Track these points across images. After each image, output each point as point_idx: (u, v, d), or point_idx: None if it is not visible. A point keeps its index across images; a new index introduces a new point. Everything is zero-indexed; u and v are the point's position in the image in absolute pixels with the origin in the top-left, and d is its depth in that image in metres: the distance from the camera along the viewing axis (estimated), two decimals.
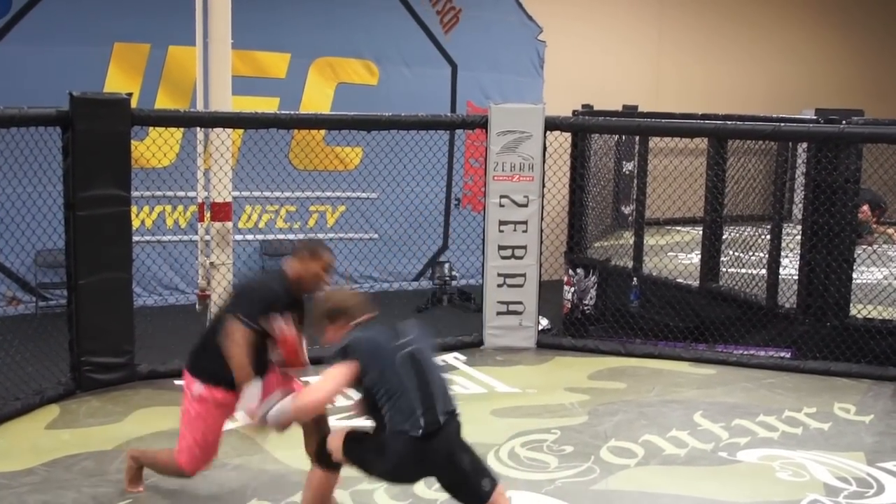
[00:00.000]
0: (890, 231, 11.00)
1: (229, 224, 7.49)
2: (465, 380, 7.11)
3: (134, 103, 6.91)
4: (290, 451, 5.46)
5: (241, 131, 9.20)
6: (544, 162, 7.97)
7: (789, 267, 8.09)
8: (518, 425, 6.06)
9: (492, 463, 5.38)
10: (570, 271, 9.25)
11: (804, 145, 8.38)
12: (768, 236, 8.12)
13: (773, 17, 14.63)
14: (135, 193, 7.12)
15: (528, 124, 7.79)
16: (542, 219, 8.00)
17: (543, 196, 8.01)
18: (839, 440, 5.89)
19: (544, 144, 7.93)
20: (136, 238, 7.34)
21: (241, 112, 7.74)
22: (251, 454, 5.47)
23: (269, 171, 9.27)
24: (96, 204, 6.56)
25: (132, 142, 6.86)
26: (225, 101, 7.37)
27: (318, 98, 10.55)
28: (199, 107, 7.67)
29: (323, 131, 9.87)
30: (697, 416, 6.31)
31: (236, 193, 8.51)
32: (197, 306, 7.69)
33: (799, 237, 7.95)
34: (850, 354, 7.43)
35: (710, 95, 13.31)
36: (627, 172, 11.26)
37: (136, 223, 8.31)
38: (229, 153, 7.53)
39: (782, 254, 8.01)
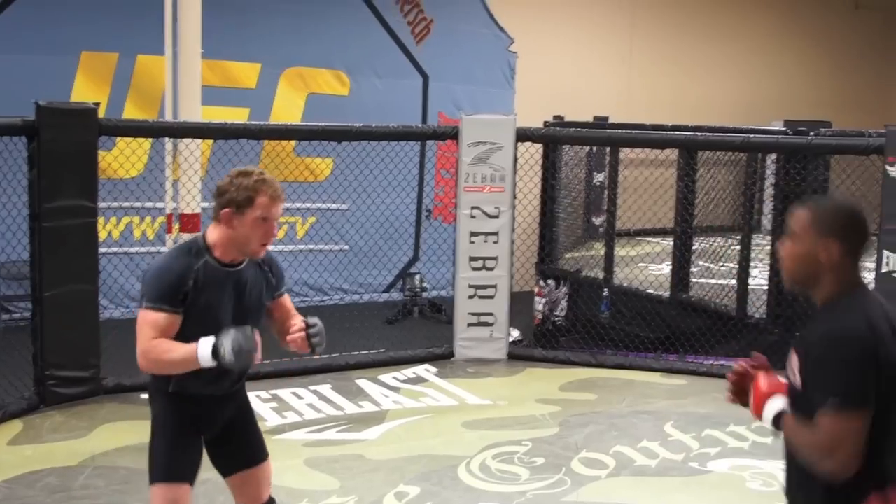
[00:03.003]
0: None
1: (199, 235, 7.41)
2: (435, 392, 7.08)
3: (101, 113, 6.84)
4: None
5: (210, 141, 9.13)
6: (515, 173, 7.97)
7: (759, 277, 8.13)
8: (489, 437, 6.04)
9: (463, 475, 5.36)
10: (541, 282, 9.24)
11: (773, 156, 8.43)
12: (738, 247, 8.15)
13: (743, 29, 14.75)
14: (102, 204, 7.04)
15: (500, 135, 7.79)
16: (513, 230, 7.99)
17: (514, 207, 8.01)
18: None
19: (515, 155, 7.93)
20: (102, 249, 7.26)
21: (211, 122, 7.68)
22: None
23: None
24: (62, 215, 6.48)
25: (99, 152, 6.79)
26: (194, 111, 7.32)
27: (288, 108, 10.50)
28: (168, 117, 7.60)
29: (293, 142, 9.82)
30: (668, 426, 6.31)
31: (205, 204, 8.42)
32: None
33: (768, 248, 7.99)
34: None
35: (680, 106, 13.38)
36: (598, 183, 11.28)
37: (102, 234, 8.20)
38: (198, 164, 7.47)
39: (752, 264, 8.04)
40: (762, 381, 2.71)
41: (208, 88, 8.08)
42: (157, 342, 3.27)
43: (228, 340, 3.20)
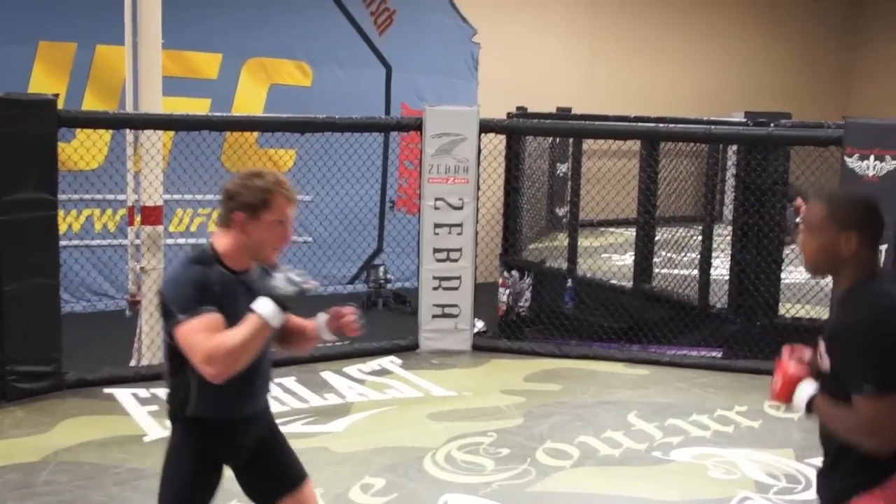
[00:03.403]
0: None
1: (160, 228, 7.36)
2: (400, 383, 7.08)
3: (60, 104, 6.75)
4: None
5: (171, 133, 9.05)
6: (479, 164, 7.98)
7: (720, 267, 8.21)
8: (454, 428, 6.06)
9: (428, 467, 5.37)
10: (506, 273, 9.27)
11: (734, 147, 8.52)
12: (700, 237, 8.23)
13: (705, 21, 14.86)
14: (62, 197, 6.96)
15: (463, 127, 7.79)
16: (476, 221, 8.00)
17: (478, 198, 8.02)
18: (769, 437, 5.98)
19: (479, 147, 7.94)
20: (63, 242, 7.18)
21: (172, 114, 7.62)
22: None
23: (200, 174, 9.12)
24: (21, 208, 6.39)
25: (59, 144, 6.70)
26: (155, 102, 7.24)
27: (250, 99, 10.43)
28: (129, 108, 7.52)
29: (256, 133, 9.76)
30: (632, 416, 6.36)
31: (167, 196, 8.36)
32: (127, 312, 7.54)
33: (730, 238, 8.08)
34: (779, 353, 7.52)
35: (643, 98, 13.47)
36: (561, 174, 11.34)
37: (63, 227, 8.11)
38: (160, 155, 7.40)
39: (713, 254, 8.12)
40: (789, 366, 2.85)
41: (169, 79, 8.00)
42: (216, 339, 2.90)
43: (282, 282, 2.94)
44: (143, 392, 6.59)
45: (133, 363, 7.30)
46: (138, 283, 7.39)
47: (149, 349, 7.17)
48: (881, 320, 2.55)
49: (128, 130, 7.50)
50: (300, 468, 3.40)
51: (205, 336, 2.91)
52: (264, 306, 2.93)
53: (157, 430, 5.84)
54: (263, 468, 3.31)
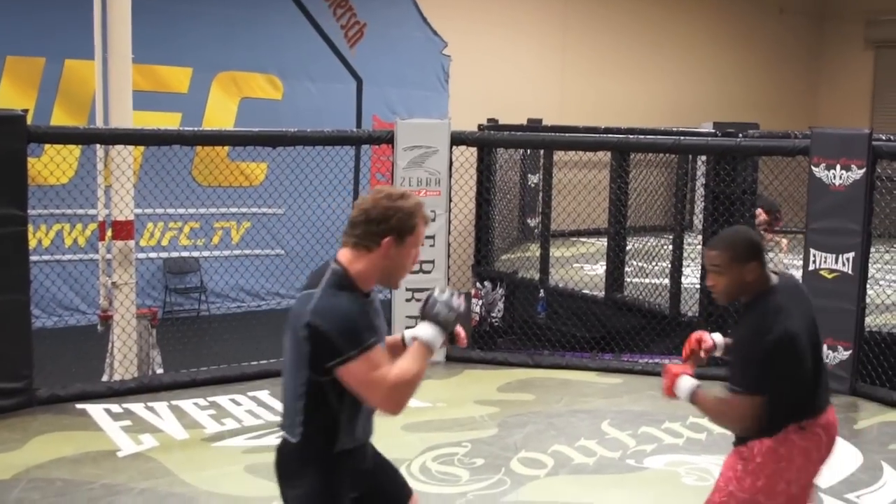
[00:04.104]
0: (779, 239, 11.34)
1: (131, 242, 7.33)
2: None
3: (29, 119, 6.71)
4: (198, 474, 5.37)
5: (142, 147, 9.02)
6: (450, 176, 8.01)
7: (691, 276, 8.27)
8: (429, 439, 6.06)
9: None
10: (478, 284, 9.30)
11: (704, 157, 8.61)
12: (670, 246, 8.30)
13: (673, 34, 15.01)
14: (31, 212, 6.90)
15: (434, 139, 7.82)
16: (449, 233, 8.02)
17: (450, 210, 8.04)
18: None
19: (450, 159, 7.97)
20: (33, 258, 7.13)
21: (143, 129, 7.59)
22: (158, 477, 5.35)
23: (171, 188, 9.11)
24: None
25: (28, 159, 6.66)
26: (125, 116, 7.22)
27: (221, 113, 10.43)
28: (99, 123, 7.50)
29: (227, 147, 9.75)
30: (605, 424, 6.39)
31: (138, 211, 8.33)
32: (99, 327, 7.51)
33: (700, 247, 8.15)
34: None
35: (613, 109, 13.58)
36: (533, 185, 11.40)
37: (32, 243, 8.06)
38: (130, 170, 7.37)
39: (684, 263, 8.19)
40: (672, 365, 3.50)
41: (139, 93, 7.99)
42: (392, 374, 2.76)
43: (443, 308, 2.87)
44: (115, 407, 6.55)
45: (105, 378, 7.26)
46: (109, 297, 7.35)
47: (121, 364, 7.13)
48: (761, 337, 3.27)
49: (98, 145, 7.47)
50: (406, 482, 3.30)
51: (383, 371, 2.76)
52: (430, 333, 2.85)
53: (130, 445, 5.81)
54: (379, 488, 3.17)
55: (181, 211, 9.94)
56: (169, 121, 9.73)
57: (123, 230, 7.25)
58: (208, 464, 5.61)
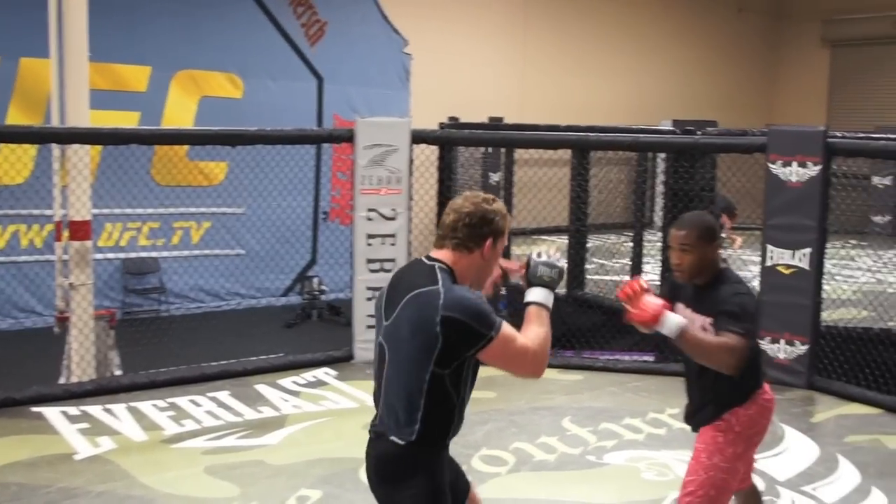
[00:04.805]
0: (735, 237, 11.47)
1: (88, 243, 7.24)
2: (335, 395, 7.06)
3: None
4: (157, 476, 5.33)
5: (100, 147, 8.92)
6: (411, 175, 8.00)
7: (651, 272, 8.33)
8: None
9: (364, 478, 5.35)
10: None
11: (663, 154, 8.67)
12: (630, 243, 8.35)
13: (633, 32, 15.10)
14: None
15: (395, 138, 7.81)
16: (409, 231, 8.02)
17: (411, 209, 8.04)
18: None
19: (411, 157, 7.96)
20: None
21: (100, 127, 7.51)
22: (116, 480, 5.30)
23: (129, 188, 9.02)
24: None
25: None
26: (82, 115, 7.13)
27: (180, 112, 10.33)
28: (55, 122, 7.40)
29: (186, 146, 9.67)
30: (566, 421, 6.42)
31: (96, 211, 8.23)
32: (55, 329, 7.41)
33: (659, 244, 8.20)
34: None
35: (574, 107, 13.64)
36: (494, 183, 11.42)
37: None
38: (87, 170, 7.28)
39: (645, 260, 8.25)
40: (651, 299, 3.50)
41: (96, 92, 7.89)
42: (531, 341, 3.00)
43: (545, 269, 3.17)
44: (72, 410, 6.47)
45: (62, 381, 7.17)
46: (66, 299, 7.26)
47: (78, 366, 7.05)
48: (750, 297, 3.67)
49: (54, 145, 7.38)
50: (462, 470, 3.41)
51: (521, 342, 2.99)
52: (541, 295, 3.14)
53: (88, 448, 5.76)
54: (454, 478, 3.28)
55: (140, 211, 9.84)
56: (127, 120, 9.63)
57: (80, 230, 7.17)
58: (167, 466, 5.57)
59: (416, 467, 3.01)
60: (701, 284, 3.73)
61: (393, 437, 3.01)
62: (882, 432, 6.24)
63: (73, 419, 6.32)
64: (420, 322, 2.91)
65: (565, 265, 3.31)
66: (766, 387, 3.83)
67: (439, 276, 2.98)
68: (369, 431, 3.14)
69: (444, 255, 3.07)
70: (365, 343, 7.89)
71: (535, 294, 3.14)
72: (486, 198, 3.14)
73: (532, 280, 3.16)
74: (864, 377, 7.00)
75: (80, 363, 7.04)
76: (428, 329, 2.89)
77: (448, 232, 3.07)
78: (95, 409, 6.49)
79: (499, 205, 3.13)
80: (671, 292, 3.90)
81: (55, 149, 7.40)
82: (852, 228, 11.43)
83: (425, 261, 3.08)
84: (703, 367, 3.62)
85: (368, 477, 3.13)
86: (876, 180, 13.54)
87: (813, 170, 6.99)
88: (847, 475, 5.50)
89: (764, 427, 3.81)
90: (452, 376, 2.98)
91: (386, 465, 3.05)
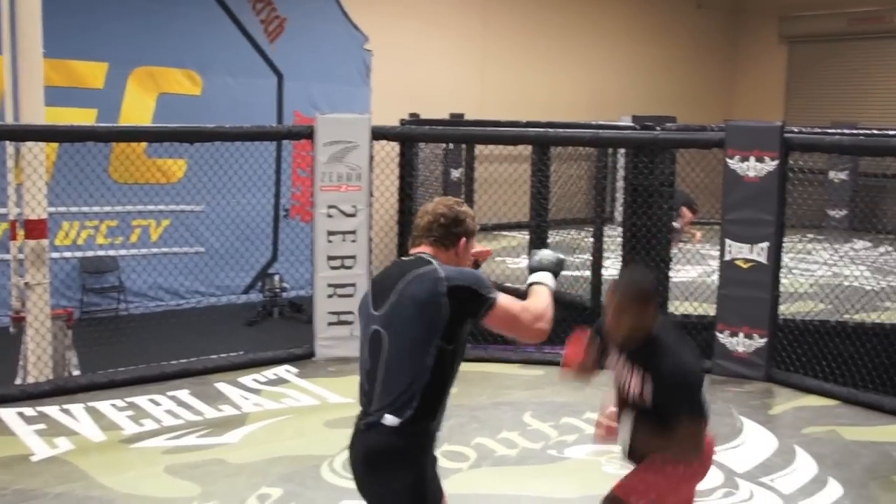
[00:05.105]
0: (694, 232, 11.56)
1: (45, 242, 7.15)
2: (297, 392, 7.03)
3: None
4: (116, 476, 5.27)
5: (55, 144, 8.81)
6: (372, 171, 7.98)
7: (612, 268, 8.37)
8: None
9: (326, 474, 5.35)
10: None
11: (623, 150, 8.72)
12: (591, 239, 8.39)
13: (592, 28, 15.17)
14: None
15: (355, 134, 7.78)
16: (370, 228, 8.00)
17: (372, 205, 8.01)
18: None
19: (371, 154, 7.94)
20: None
21: (56, 125, 7.42)
22: (74, 481, 5.24)
23: (86, 186, 8.91)
24: None
25: None
26: (37, 113, 7.04)
27: (138, 109, 10.24)
28: (9, 119, 7.30)
29: (144, 143, 9.58)
30: (527, 416, 6.44)
31: (52, 209, 8.13)
32: (11, 329, 7.31)
33: (620, 239, 8.25)
34: None
35: (535, 103, 13.67)
36: (455, 179, 11.42)
37: None
38: (43, 167, 7.19)
39: (605, 255, 8.28)
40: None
41: (52, 89, 7.79)
42: (532, 304, 3.26)
43: (543, 254, 3.49)
44: (29, 411, 6.38)
45: (18, 381, 7.08)
46: (22, 298, 7.17)
47: (35, 366, 6.96)
48: (695, 365, 3.61)
49: (8, 142, 7.27)
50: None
51: (522, 304, 3.21)
52: (543, 276, 3.42)
53: (45, 449, 5.68)
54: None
55: (97, 209, 9.73)
56: (84, 117, 9.51)
57: (36, 229, 7.08)
58: (127, 466, 5.51)
59: (406, 459, 3.09)
60: (643, 341, 3.55)
61: (388, 417, 3.07)
62: (838, 423, 6.32)
63: (29, 420, 6.24)
64: (427, 296, 3.06)
65: (564, 258, 3.54)
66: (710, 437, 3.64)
67: (429, 259, 3.19)
68: (358, 424, 3.20)
69: (423, 249, 3.27)
70: (326, 340, 7.87)
71: (536, 276, 3.40)
72: (457, 201, 3.39)
73: (533, 267, 3.44)
74: (822, 369, 7.09)
75: (36, 363, 6.95)
76: (435, 300, 3.05)
77: (424, 231, 3.28)
78: (53, 410, 6.40)
79: (468, 208, 3.37)
80: (602, 340, 3.78)
81: (9, 146, 7.31)
82: (809, 222, 11.57)
83: (406, 257, 3.27)
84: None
85: (355, 469, 3.21)
86: (832, 175, 13.71)
87: (770, 165, 7.06)
88: (804, 466, 5.56)
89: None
90: (452, 354, 3.13)
91: (378, 455, 3.11)
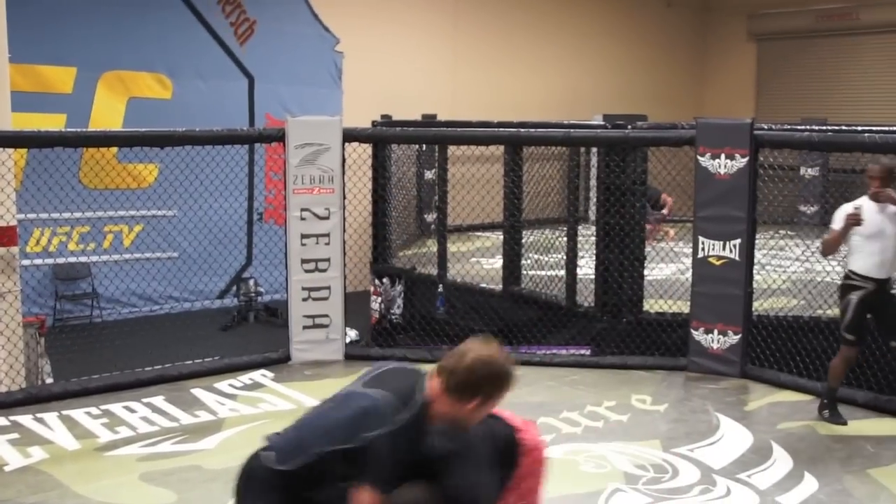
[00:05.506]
0: (668, 230, 11.62)
1: (15, 249, 7.08)
2: (273, 396, 7.00)
3: None
4: (91, 485, 5.23)
5: (24, 150, 8.72)
6: (344, 173, 7.95)
7: (586, 267, 8.39)
8: None
9: None
10: (377, 281, 9.27)
11: (596, 149, 8.74)
12: (565, 238, 8.40)
13: (562, 27, 15.18)
14: None
15: (326, 136, 7.76)
16: (344, 230, 7.97)
17: (345, 208, 7.99)
18: (637, 430, 6.15)
19: (343, 156, 7.91)
20: None
21: (23, 130, 7.34)
22: (48, 490, 5.19)
23: (56, 192, 8.82)
24: None
25: None
26: (3, 118, 6.97)
27: (108, 113, 10.16)
28: None
29: (115, 148, 9.51)
30: None
31: (21, 216, 8.05)
32: None
33: (594, 238, 8.27)
34: (644, 347, 7.79)
35: (506, 103, 13.68)
36: (429, 180, 11.41)
37: None
38: (11, 174, 7.11)
39: (579, 255, 8.30)
40: None
41: (19, 94, 7.73)
42: None
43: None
44: (1, 420, 6.32)
45: None
46: None
47: (7, 375, 6.89)
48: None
49: None
50: None
51: None
52: None
53: (18, 458, 5.62)
54: None
55: (68, 215, 9.63)
56: (53, 122, 9.44)
57: (5, 236, 7.00)
58: (102, 474, 5.46)
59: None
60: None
61: None
62: (813, 418, 6.36)
63: (2, 429, 6.17)
64: None
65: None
66: None
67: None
68: None
69: (433, 385, 3.35)
70: (302, 344, 7.84)
71: None
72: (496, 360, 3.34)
73: None
74: (796, 365, 7.14)
75: (8, 372, 6.88)
76: None
77: (447, 375, 3.32)
78: (25, 419, 6.34)
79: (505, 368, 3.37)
80: None
81: None
82: (781, 218, 11.64)
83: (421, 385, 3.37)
84: None
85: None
86: (804, 171, 13.80)
87: (741, 162, 7.11)
88: (780, 461, 5.60)
89: None
90: None
91: None
